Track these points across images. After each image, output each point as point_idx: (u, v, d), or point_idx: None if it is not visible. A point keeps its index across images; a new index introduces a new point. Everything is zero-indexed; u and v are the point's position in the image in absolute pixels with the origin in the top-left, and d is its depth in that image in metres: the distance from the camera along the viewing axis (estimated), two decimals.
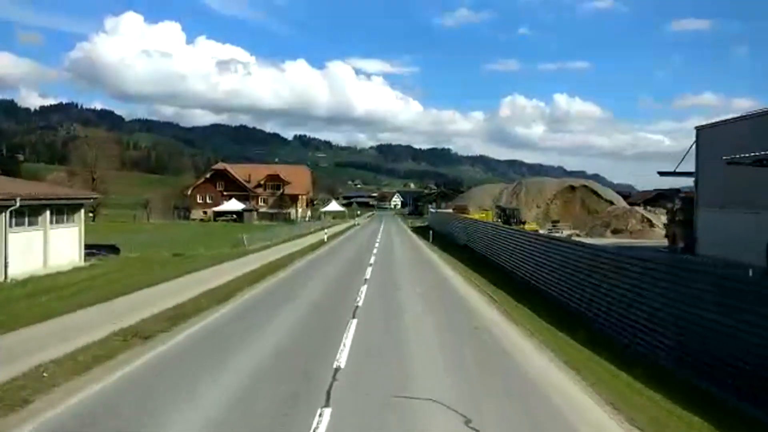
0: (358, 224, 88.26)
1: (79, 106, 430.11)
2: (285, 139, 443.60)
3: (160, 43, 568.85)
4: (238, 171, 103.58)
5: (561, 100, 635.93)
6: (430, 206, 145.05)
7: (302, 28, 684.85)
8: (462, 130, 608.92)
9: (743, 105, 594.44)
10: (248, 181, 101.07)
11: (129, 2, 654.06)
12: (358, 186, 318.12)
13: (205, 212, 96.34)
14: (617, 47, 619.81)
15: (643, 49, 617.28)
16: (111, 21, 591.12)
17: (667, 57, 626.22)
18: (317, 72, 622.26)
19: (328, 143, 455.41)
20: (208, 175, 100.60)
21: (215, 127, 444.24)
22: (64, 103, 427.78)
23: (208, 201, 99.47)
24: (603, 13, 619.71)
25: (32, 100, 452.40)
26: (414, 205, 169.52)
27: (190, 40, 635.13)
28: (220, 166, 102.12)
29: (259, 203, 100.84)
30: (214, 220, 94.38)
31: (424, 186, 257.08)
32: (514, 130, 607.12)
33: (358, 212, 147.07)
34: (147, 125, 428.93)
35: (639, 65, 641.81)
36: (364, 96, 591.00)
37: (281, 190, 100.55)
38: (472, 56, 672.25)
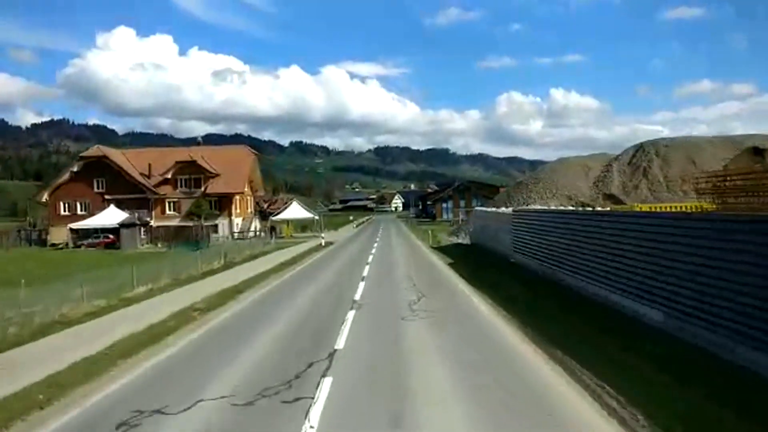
0: (330, 245, 41.01)
1: (71, 122, 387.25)
2: (281, 146, 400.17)
3: (153, 55, 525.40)
4: (133, 158, 56.39)
5: (558, 94, 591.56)
6: (443, 205, 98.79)
7: (294, 34, 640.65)
8: (459, 129, 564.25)
9: (742, 90, 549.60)
10: (148, 176, 54.11)
11: (120, 17, 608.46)
12: (356, 189, 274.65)
13: (74, 231, 49.47)
14: (611, 39, 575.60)
15: (637, 40, 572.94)
16: (103, 36, 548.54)
17: (662, 46, 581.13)
18: (312, 78, 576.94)
19: (324, 148, 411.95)
20: (76, 168, 53.42)
21: (209, 138, 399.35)
22: (55, 119, 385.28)
23: (80, 211, 52.68)
24: (596, 5, 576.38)
25: (28, 119, 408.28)
26: (421, 206, 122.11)
27: (182, 52, 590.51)
28: (95, 151, 54.80)
29: (167, 210, 53.90)
30: (76, 245, 47.58)
31: (426, 186, 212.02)
32: (511, 127, 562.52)
33: (352, 218, 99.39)
34: (141, 138, 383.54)
35: (634, 56, 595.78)
36: (360, 99, 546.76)
37: (202, 188, 53.66)
38: (466, 55, 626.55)
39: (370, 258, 26.95)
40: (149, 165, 54.00)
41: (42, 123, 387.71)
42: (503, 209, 27.53)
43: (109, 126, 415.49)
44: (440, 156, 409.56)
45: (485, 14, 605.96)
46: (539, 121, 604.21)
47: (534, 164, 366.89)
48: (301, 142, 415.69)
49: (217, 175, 54.20)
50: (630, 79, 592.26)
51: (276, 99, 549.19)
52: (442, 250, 31.13)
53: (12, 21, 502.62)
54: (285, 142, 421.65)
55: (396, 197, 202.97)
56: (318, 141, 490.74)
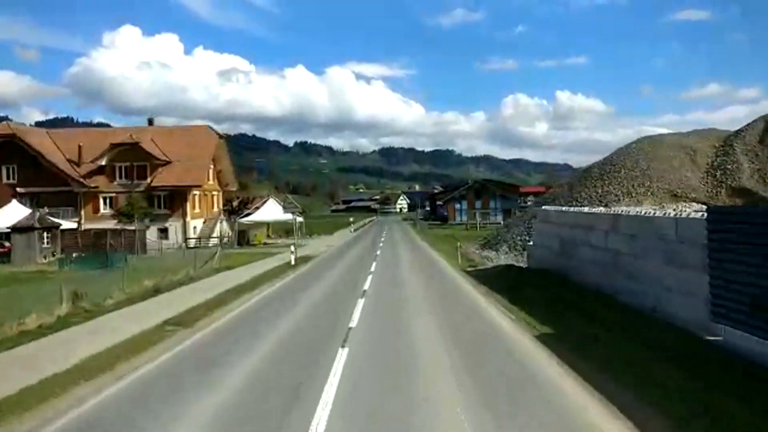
0: (304, 264, 26.80)
1: (76, 121, 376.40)
2: (286, 146, 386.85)
3: (159, 55, 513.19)
4: (62, 141, 42.17)
5: (563, 97, 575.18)
6: (456, 206, 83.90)
7: (300, 34, 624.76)
8: (464, 131, 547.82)
9: (749, 94, 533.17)
10: (77, 163, 40.02)
11: (126, 16, 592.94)
12: (360, 190, 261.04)
13: None
14: (617, 41, 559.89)
15: (644, 42, 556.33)
16: (108, 35, 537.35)
17: (668, 49, 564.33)
18: (317, 78, 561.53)
19: (329, 149, 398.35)
20: None
21: None
22: (60, 118, 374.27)
23: None
24: (602, 8, 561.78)
25: (33, 117, 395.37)
26: (429, 207, 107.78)
27: (188, 51, 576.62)
28: (3, 128, 40.12)
29: (101, 207, 39.77)
30: None
31: (431, 187, 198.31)
32: (517, 129, 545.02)
33: (352, 219, 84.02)
34: None
35: (641, 59, 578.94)
36: (365, 100, 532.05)
37: (148, 179, 39.50)
38: (471, 56, 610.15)
39: (359, 306, 12.60)
40: (79, 148, 39.76)
41: (46, 121, 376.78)
42: (643, 210, 12.93)
43: (113, 125, 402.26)
44: (445, 157, 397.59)
45: (491, 16, 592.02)
46: (545, 123, 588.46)
47: (539, 166, 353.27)
48: (305, 142, 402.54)
49: (169, 162, 39.94)
50: (635, 82, 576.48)
51: (281, 99, 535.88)
52: (492, 282, 16.59)
53: (18, 20, 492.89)
54: (290, 142, 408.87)
55: (401, 198, 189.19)
56: (323, 141, 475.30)
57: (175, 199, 39.29)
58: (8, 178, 38.57)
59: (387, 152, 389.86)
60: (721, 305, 8.65)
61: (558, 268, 17.01)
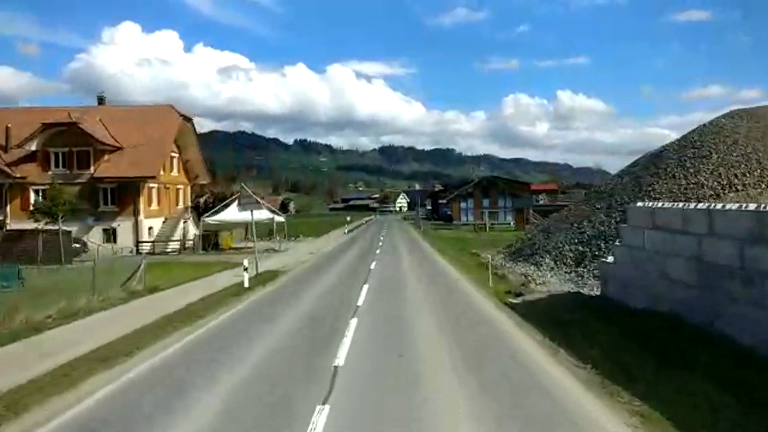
0: (262, 287, 18.99)
1: None
2: (285, 144, 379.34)
3: (159, 51, 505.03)
4: None
5: (564, 96, 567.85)
6: (461, 205, 75.62)
7: (300, 32, 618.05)
8: (465, 130, 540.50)
9: (750, 95, 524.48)
10: (4, 148, 32.26)
11: (126, 13, 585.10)
12: (360, 188, 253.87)
13: None
14: (618, 41, 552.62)
15: (644, 42, 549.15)
16: (108, 31, 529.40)
17: (669, 50, 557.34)
18: (317, 76, 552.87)
19: (329, 147, 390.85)
20: None
21: (211, 135, 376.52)
22: None
23: None
24: (601, 8, 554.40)
25: None
26: (431, 205, 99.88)
27: (188, 49, 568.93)
28: None
29: (32, 201, 32.00)
30: None
31: (432, 186, 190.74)
32: (517, 128, 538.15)
33: (349, 218, 75.23)
34: None
35: (641, 59, 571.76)
36: (366, 98, 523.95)
37: (91, 169, 31.75)
38: (472, 56, 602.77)
39: (319, 421, 4.96)
40: (6, 129, 31.83)
41: None
42: None
43: None
44: (445, 156, 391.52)
45: (492, 15, 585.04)
46: (545, 123, 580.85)
47: (540, 166, 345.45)
48: (305, 140, 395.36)
49: (119, 148, 32.04)
50: (636, 83, 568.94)
51: (281, 97, 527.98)
52: (573, 340, 8.80)
53: (19, 15, 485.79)
54: (290, 140, 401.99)
55: (401, 197, 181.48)
56: (323, 140, 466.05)
57: (126, 193, 31.40)
58: None
59: (387, 151, 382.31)
60: None
61: (688, 311, 9.16)
